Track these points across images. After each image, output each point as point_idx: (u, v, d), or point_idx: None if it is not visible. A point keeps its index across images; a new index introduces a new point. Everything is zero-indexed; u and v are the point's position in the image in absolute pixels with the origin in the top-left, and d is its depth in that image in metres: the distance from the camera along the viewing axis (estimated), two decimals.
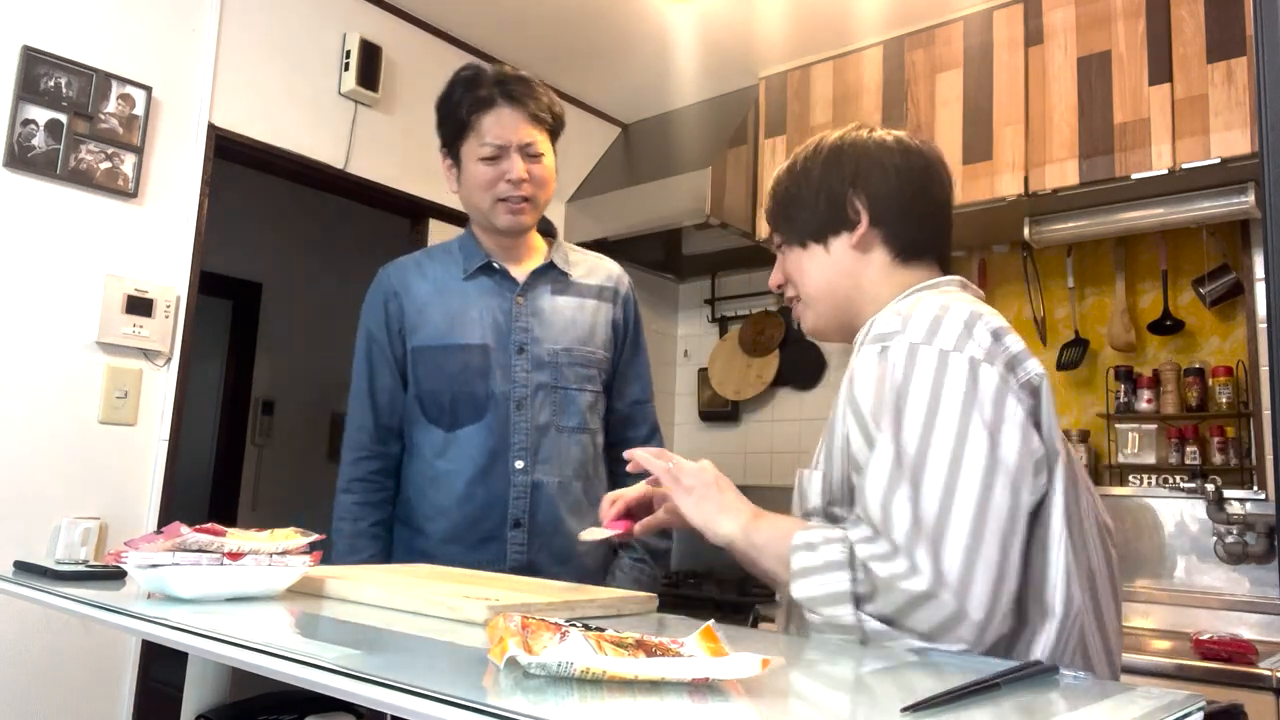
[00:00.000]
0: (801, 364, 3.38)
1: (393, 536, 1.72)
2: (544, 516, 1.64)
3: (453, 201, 2.77)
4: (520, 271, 1.72)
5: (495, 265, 1.71)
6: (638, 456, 1.18)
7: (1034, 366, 1.04)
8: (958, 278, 1.19)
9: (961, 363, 1.00)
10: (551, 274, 1.74)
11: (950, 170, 1.24)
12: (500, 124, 1.63)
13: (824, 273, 1.20)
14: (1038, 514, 1.02)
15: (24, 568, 1.30)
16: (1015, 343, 1.04)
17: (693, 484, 1.14)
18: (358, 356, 1.73)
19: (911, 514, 0.96)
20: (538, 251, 1.76)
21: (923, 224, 1.19)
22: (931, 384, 0.99)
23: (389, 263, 1.78)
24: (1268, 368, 1.26)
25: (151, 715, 2.16)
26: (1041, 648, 1.00)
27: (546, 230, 1.81)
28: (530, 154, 1.65)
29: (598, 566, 1.71)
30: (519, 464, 1.64)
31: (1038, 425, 1.02)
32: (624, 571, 1.72)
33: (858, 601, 0.97)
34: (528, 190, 1.65)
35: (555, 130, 1.71)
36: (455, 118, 1.66)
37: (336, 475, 1.73)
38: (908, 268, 1.18)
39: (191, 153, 2.32)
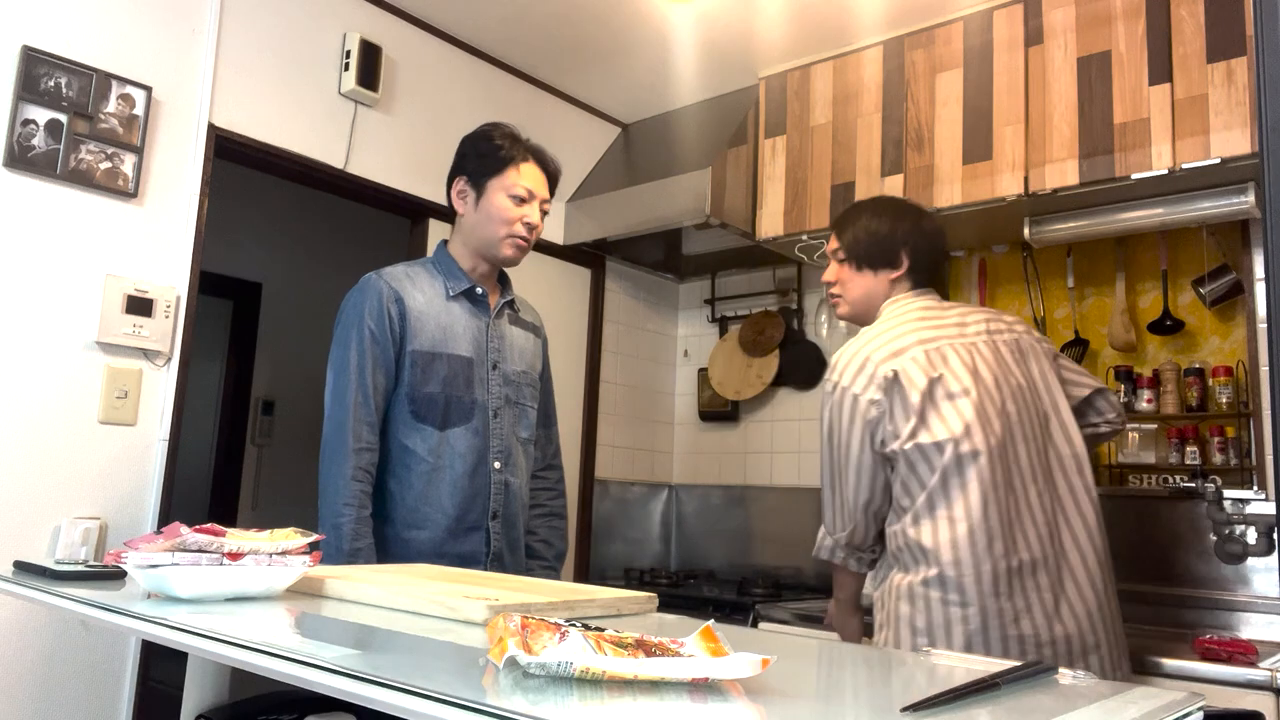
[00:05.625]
0: (801, 364, 3.38)
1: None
2: (510, 511, 1.92)
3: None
4: (491, 299, 1.98)
5: (479, 291, 1.94)
6: None
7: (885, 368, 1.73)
8: (924, 290, 1.90)
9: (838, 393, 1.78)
10: (508, 307, 2.02)
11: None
12: (533, 176, 1.93)
13: (863, 287, 1.93)
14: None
15: (24, 568, 1.30)
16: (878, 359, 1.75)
17: None
18: (352, 352, 1.83)
19: None
20: (497, 284, 2.03)
21: (931, 270, 1.92)
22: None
23: (377, 270, 1.93)
24: (1268, 368, 1.26)
25: (151, 715, 2.16)
26: None
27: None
28: (543, 210, 1.95)
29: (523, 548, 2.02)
30: (497, 465, 1.90)
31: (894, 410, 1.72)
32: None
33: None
34: (534, 236, 1.94)
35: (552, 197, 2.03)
36: (495, 155, 1.91)
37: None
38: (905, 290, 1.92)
39: (191, 153, 2.32)
